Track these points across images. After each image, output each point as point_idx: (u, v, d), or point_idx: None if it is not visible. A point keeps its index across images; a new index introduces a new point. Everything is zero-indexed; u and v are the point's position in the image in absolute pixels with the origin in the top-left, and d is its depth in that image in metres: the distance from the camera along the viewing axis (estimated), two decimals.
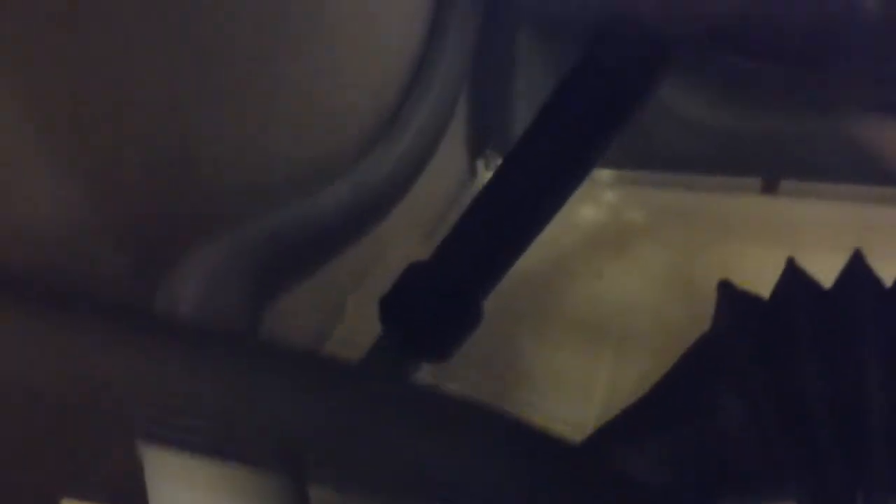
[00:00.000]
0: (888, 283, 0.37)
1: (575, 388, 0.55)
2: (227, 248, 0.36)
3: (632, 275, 0.65)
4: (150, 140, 0.36)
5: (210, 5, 0.38)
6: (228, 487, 0.28)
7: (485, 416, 0.27)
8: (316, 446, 0.25)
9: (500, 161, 0.75)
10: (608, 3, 0.41)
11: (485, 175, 0.76)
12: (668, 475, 0.34)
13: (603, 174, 0.72)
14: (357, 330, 0.55)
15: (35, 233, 0.32)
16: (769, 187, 0.71)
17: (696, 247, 0.66)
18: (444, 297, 0.41)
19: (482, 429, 0.26)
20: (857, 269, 0.38)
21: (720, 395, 0.35)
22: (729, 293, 0.39)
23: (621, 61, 0.38)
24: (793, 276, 0.38)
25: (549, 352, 0.58)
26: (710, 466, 0.34)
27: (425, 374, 0.46)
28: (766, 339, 0.36)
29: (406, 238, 0.62)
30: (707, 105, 0.64)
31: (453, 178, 0.72)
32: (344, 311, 0.56)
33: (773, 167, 0.70)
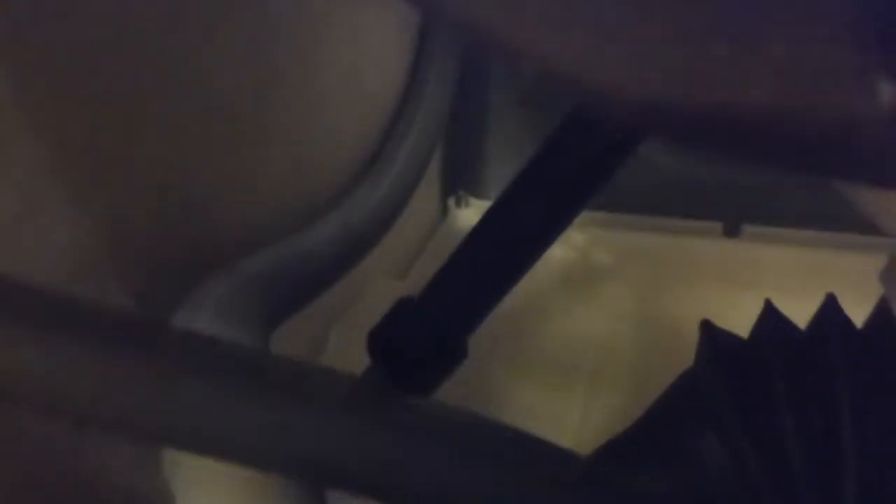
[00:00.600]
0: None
1: (546, 426, 0.56)
2: (233, 283, 0.37)
3: (600, 314, 0.66)
4: (156, 181, 0.37)
5: (209, 63, 0.39)
6: (250, 491, 0.28)
7: (499, 431, 0.27)
8: (334, 466, 0.25)
9: (470, 199, 0.77)
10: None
11: (456, 213, 0.77)
12: None
13: None
14: (338, 361, 0.55)
15: (44, 266, 0.33)
16: (731, 231, 0.74)
17: (662, 287, 0.68)
18: (433, 333, 0.42)
19: (496, 443, 0.27)
20: (831, 311, 0.39)
21: (700, 433, 0.36)
22: (709, 332, 0.40)
23: (605, 121, 0.40)
24: (770, 317, 0.40)
25: (520, 389, 0.59)
26: None
27: None
28: (743, 379, 0.38)
29: (384, 272, 0.63)
30: (673, 151, 0.66)
31: (427, 216, 0.74)
32: (325, 343, 0.57)
33: (736, 211, 0.73)
